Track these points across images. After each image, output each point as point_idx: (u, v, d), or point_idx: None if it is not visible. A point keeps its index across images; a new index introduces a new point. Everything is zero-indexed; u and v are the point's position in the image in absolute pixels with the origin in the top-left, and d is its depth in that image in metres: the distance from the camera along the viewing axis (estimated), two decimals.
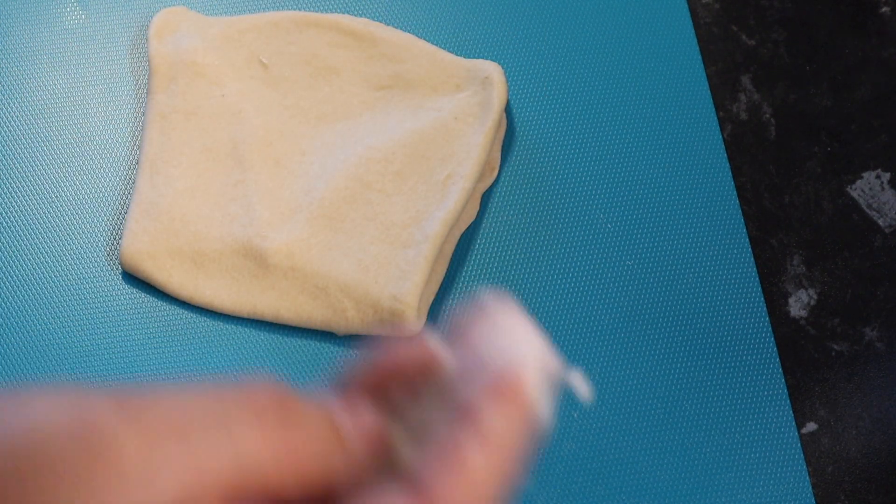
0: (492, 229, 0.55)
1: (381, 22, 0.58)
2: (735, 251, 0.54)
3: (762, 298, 0.53)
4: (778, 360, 0.52)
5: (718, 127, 0.57)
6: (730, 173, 0.56)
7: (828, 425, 0.52)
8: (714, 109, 0.58)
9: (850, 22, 0.62)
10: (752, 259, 0.54)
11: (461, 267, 0.54)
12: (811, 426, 0.52)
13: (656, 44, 0.59)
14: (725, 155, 0.56)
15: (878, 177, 0.57)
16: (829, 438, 0.51)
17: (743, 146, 0.58)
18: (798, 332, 0.54)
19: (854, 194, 0.57)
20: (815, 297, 0.54)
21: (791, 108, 0.59)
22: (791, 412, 0.51)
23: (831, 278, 0.55)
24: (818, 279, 0.55)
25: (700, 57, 0.59)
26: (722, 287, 0.54)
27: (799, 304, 0.54)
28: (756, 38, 0.61)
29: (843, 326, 0.54)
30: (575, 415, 0.50)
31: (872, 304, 0.54)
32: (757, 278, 0.54)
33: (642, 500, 0.49)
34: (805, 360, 0.53)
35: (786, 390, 0.51)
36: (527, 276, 0.54)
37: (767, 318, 0.53)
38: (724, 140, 0.58)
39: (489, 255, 0.54)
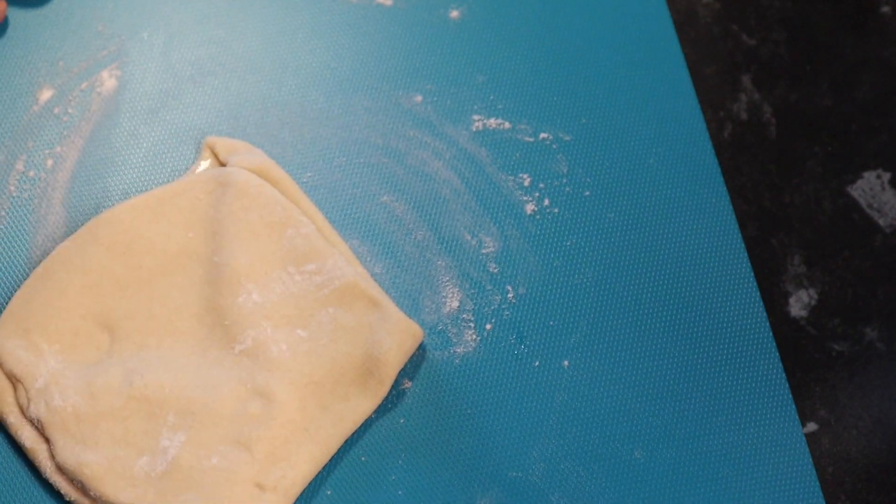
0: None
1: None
2: (729, 249, 0.54)
3: (758, 295, 0.53)
4: (778, 356, 0.52)
5: (707, 131, 0.57)
6: (721, 176, 0.56)
7: (828, 425, 0.52)
8: (702, 114, 0.57)
9: (851, 22, 0.62)
10: (746, 255, 0.54)
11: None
12: (812, 426, 0.52)
13: (639, 47, 0.59)
14: (715, 158, 0.56)
15: (878, 177, 0.57)
16: (829, 438, 0.51)
17: (743, 146, 0.58)
18: (798, 332, 0.54)
19: (854, 194, 0.57)
20: (815, 296, 0.54)
21: (791, 108, 0.59)
22: (794, 409, 0.51)
23: (832, 278, 0.55)
24: (819, 279, 0.55)
25: (684, 60, 0.59)
26: (718, 283, 0.53)
27: (799, 304, 0.54)
28: (756, 37, 0.61)
29: (843, 326, 0.54)
30: (566, 364, 0.50)
31: (873, 304, 0.54)
32: (752, 275, 0.53)
33: (636, 449, 0.49)
34: (805, 360, 0.53)
35: (788, 388, 0.51)
36: (534, 273, 0.54)
37: (765, 314, 0.52)
38: (725, 140, 0.58)
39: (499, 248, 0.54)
